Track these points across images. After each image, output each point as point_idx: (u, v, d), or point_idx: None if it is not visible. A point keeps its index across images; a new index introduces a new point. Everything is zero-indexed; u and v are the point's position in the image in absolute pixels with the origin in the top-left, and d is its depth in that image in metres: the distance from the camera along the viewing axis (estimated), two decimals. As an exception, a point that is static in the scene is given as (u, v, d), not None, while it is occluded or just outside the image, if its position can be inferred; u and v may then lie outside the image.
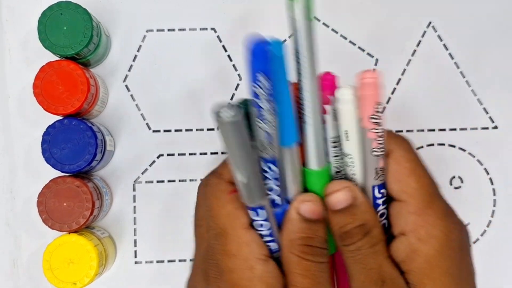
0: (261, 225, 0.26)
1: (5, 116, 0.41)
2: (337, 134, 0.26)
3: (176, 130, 0.42)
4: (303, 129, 0.26)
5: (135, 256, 0.42)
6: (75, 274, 0.37)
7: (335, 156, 0.27)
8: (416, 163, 0.27)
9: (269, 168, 0.25)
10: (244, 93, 0.42)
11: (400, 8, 0.43)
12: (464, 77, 0.43)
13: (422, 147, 0.43)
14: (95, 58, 0.40)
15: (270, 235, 0.26)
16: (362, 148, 0.26)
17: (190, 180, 0.42)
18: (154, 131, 0.42)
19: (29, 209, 0.40)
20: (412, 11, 0.43)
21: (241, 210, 0.26)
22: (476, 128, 0.43)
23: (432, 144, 0.43)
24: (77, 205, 0.37)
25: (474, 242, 0.43)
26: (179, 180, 0.42)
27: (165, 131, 0.42)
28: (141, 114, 0.42)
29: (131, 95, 0.42)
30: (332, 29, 0.43)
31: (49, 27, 0.37)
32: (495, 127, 0.43)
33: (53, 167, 0.37)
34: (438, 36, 0.43)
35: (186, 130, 0.42)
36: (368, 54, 0.43)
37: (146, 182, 0.42)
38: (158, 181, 0.42)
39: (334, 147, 0.26)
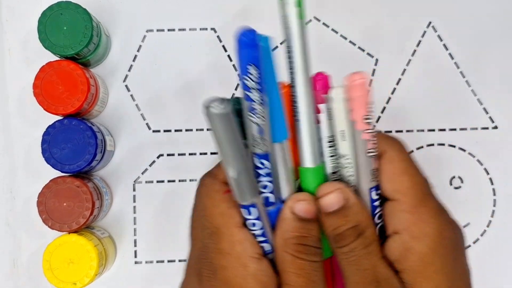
0: (254, 224, 0.26)
1: (5, 116, 0.41)
2: (332, 134, 0.26)
3: (176, 130, 0.42)
4: (297, 127, 0.26)
5: (135, 256, 0.42)
6: (75, 274, 0.37)
7: (331, 156, 0.27)
8: (408, 163, 0.27)
9: (262, 164, 0.25)
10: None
11: (400, 8, 0.43)
12: (464, 77, 0.43)
13: (422, 147, 0.43)
14: (95, 58, 0.40)
15: (263, 235, 0.26)
16: (357, 150, 0.26)
17: (190, 180, 0.42)
18: (154, 131, 0.42)
19: (29, 209, 0.40)
20: (412, 11, 0.43)
21: (235, 209, 0.26)
22: (476, 128, 0.43)
23: (432, 144, 0.43)
24: (77, 205, 0.37)
25: (474, 242, 0.43)
26: (179, 180, 0.42)
27: (165, 131, 0.42)
28: (141, 114, 0.42)
29: (131, 95, 0.42)
30: (332, 29, 0.43)
31: (49, 27, 0.37)
32: (495, 127, 0.43)
33: (53, 167, 0.37)
34: (438, 36, 0.43)
35: (186, 130, 0.42)
36: (368, 54, 0.43)
37: (146, 182, 0.42)
38: (158, 181, 0.42)
39: (330, 146, 0.27)
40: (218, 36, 0.42)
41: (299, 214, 0.26)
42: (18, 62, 0.41)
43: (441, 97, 0.43)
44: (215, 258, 0.26)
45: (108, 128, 0.42)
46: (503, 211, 0.43)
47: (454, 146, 0.43)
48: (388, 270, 0.26)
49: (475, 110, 0.43)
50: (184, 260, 0.42)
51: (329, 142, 0.26)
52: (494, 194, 0.43)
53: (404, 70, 0.43)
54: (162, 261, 0.42)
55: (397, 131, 0.43)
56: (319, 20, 0.43)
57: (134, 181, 0.42)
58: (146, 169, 0.42)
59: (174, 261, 0.42)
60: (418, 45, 0.43)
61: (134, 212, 0.42)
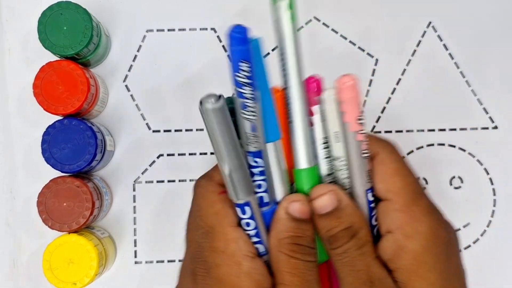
0: (248, 224, 0.26)
1: (5, 116, 0.41)
2: (326, 136, 0.27)
3: (176, 130, 0.42)
4: (291, 128, 0.26)
5: (135, 256, 0.42)
6: (75, 274, 0.37)
7: (326, 158, 0.27)
8: (400, 164, 0.27)
9: (256, 162, 0.25)
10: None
11: (400, 8, 0.43)
12: (464, 77, 0.43)
13: (422, 147, 0.43)
14: (95, 58, 0.40)
15: (257, 235, 0.26)
16: (352, 152, 0.26)
17: (190, 180, 0.42)
18: (154, 131, 0.42)
19: (29, 209, 0.40)
20: (412, 11, 0.43)
21: (230, 209, 0.26)
22: (476, 128, 0.43)
23: (432, 144, 0.43)
24: (77, 205, 0.37)
25: (474, 242, 0.43)
26: (179, 180, 0.42)
27: (165, 131, 0.42)
28: (141, 114, 0.42)
29: (131, 95, 0.42)
30: (332, 29, 0.43)
31: (49, 27, 0.37)
32: (495, 127, 0.43)
33: (53, 167, 0.37)
34: (438, 36, 0.43)
35: (186, 130, 0.42)
36: (368, 54, 0.43)
37: (146, 182, 0.42)
38: (158, 181, 0.42)
39: (325, 148, 0.27)
40: (218, 36, 0.42)
41: (294, 215, 0.26)
42: (18, 62, 0.41)
43: (441, 97, 0.43)
44: (209, 257, 0.26)
45: (108, 128, 0.42)
46: (503, 211, 0.43)
47: (454, 146, 0.43)
48: (381, 270, 0.26)
49: (475, 110, 0.43)
50: (184, 260, 0.42)
51: (323, 143, 0.27)
52: (494, 194, 0.43)
53: (404, 70, 0.43)
54: (162, 261, 0.42)
55: (397, 131, 0.43)
56: (319, 20, 0.43)
57: (134, 181, 0.42)
58: (146, 169, 0.42)
59: (174, 261, 0.42)
60: (418, 45, 0.43)
61: (134, 212, 0.42)
